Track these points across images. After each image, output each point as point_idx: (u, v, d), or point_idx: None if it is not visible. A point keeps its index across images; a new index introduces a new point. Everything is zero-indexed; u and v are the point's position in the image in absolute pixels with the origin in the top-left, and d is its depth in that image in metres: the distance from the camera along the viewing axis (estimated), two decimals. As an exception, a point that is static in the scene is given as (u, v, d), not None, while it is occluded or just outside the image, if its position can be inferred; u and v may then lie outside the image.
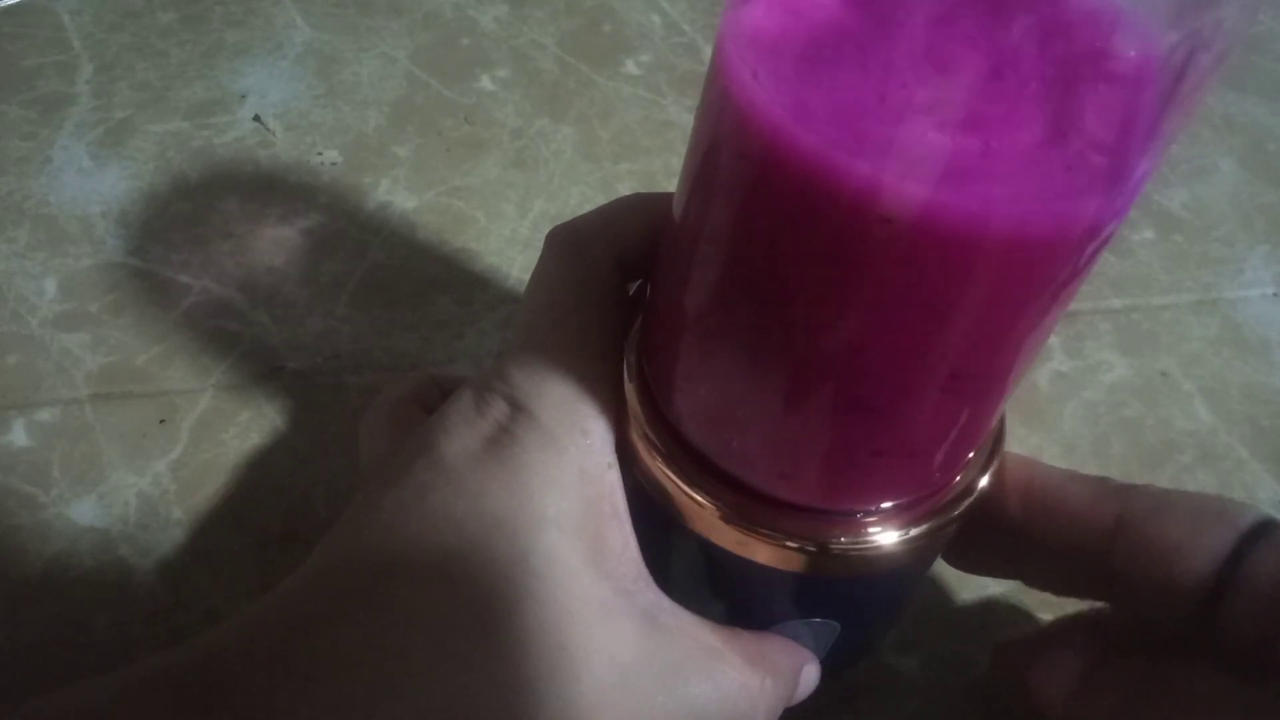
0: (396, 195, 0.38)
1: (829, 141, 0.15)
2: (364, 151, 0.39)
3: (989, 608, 0.29)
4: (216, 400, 0.32)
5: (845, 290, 0.16)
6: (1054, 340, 0.35)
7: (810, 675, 0.23)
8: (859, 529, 0.20)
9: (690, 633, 0.21)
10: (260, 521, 0.29)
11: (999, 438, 0.22)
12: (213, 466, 0.30)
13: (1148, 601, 0.21)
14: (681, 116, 0.42)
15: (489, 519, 0.19)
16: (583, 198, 0.39)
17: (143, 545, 0.28)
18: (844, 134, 0.15)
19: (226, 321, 0.34)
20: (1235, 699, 0.20)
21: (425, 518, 0.19)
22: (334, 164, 0.39)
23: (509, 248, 0.37)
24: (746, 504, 0.20)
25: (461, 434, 0.20)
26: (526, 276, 0.23)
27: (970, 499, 0.21)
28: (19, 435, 0.30)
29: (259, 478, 0.30)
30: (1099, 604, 0.24)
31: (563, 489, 0.20)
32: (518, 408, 0.20)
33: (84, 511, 0.29)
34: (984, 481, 0.21)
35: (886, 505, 0.20)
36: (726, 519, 0.20)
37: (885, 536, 0.20)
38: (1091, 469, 0.26)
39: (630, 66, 0.44)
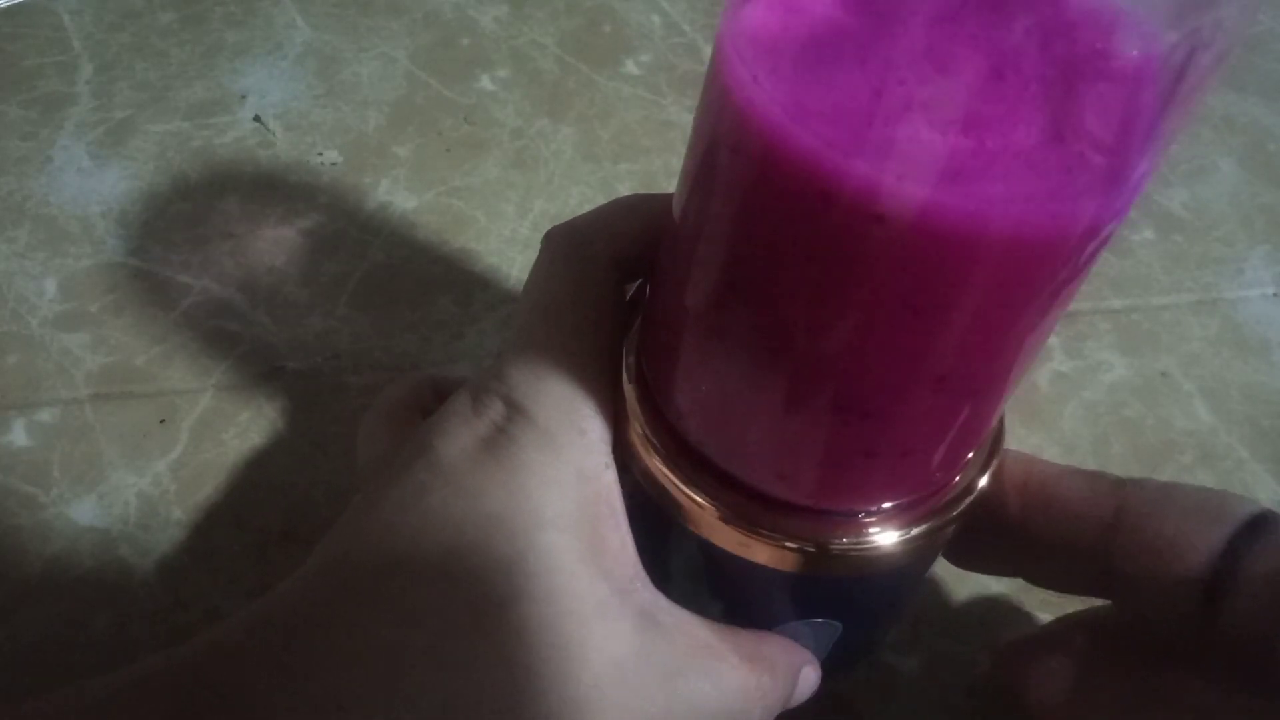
0: (396, 195, 0.38)
1: (828, 141, 0.15)
2: (364, 152, 0.39)
3: (989, 608, 0.29)
4: (216, 400, 0.32)
5: (844, 291, 0.16)
6: (1054, 340, 0.35)
7: (810, 676, 0.23)
8: (859, 529, 0.20)
9: (688, 631, 0.21)
10: (260, 521, 0.29)
11: (999, 437, 0.22)
12: (213, 466, 0.30)
13: (1147, 599, 0.21)
14: (681, 116, 0.42)
15: (487, 519, 0.19)
16: (583, 198, 0.39)
17: (143, 545, 0.28)
18: (843, 134, 0.15)
19: (226, 321, 0.34)
20: (1231, 709, 0.20)
21: (424, 518, 0.19)
22: (334, 164, 0.39)
23: (509, 248, 0.37)
24: (746, 504, 0.20)
25: (459, 434, 0.20)
26: (526, 277, 0.23)
27: (970, 499, 0.21)
28: (19, 435, 0.30)
29: (259, 478, 0.30)
30: (1099, 603, 0.24)
31: (560, 489, 0.20)
32: (515, 408, 0.20)
33: (84, 511, 0.29)
34: (984, 481, 0.21)
35: (886, 505, 0.20)
36: (726, 519, 0.20)
37: (885, 536, 0.20)
38: (1091, 469, 0.25)
39: (630, 66, 0.44)
